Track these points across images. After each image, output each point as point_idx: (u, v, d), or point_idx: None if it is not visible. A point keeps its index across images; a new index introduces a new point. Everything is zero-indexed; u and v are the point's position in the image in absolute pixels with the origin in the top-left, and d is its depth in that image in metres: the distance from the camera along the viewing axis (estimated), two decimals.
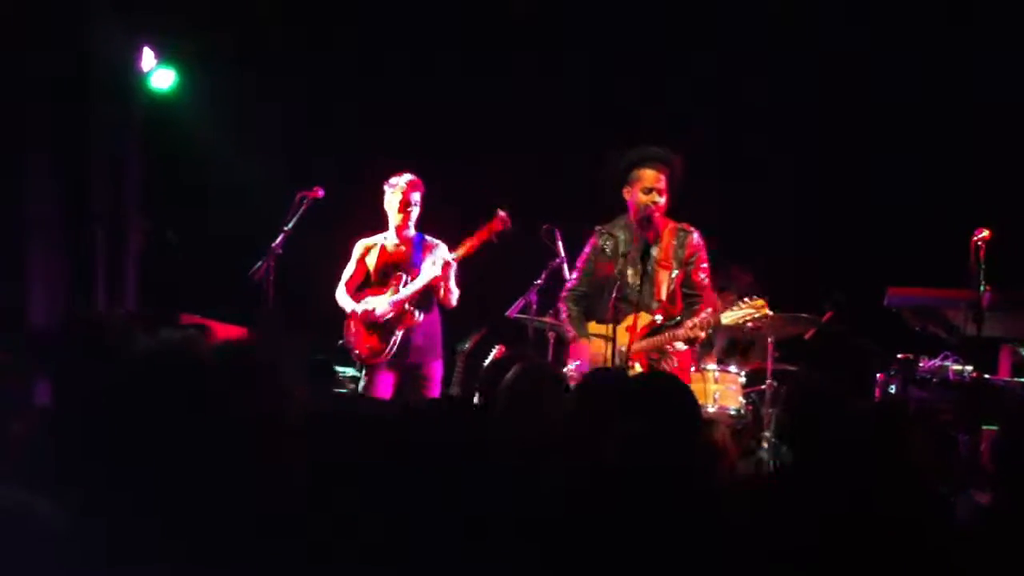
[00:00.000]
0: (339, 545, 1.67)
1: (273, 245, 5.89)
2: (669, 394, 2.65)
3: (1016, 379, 5.59)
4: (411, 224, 6.07)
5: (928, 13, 6.97)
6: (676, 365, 5.43)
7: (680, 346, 5.45)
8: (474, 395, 4.09)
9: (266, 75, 7.74)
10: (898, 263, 6.67)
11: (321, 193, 5.99)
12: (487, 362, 4.39)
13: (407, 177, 6.03)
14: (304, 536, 1.64)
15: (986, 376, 5.41)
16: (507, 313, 6.17)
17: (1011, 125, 6.71)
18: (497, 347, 5.93)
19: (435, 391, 6.01)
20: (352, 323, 6.07)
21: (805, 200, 7.31)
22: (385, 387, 6.00)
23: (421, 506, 1.71)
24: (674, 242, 5.50)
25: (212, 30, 7.49)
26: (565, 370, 5.60)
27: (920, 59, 6.98)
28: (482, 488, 1.86)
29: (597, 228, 5.65)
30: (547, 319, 6.25)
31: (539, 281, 6.09)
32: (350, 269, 6.16)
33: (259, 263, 5.87)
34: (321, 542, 1.65)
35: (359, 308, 6.03)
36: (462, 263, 5.95)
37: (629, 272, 5.46)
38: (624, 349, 5.32)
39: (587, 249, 5.67)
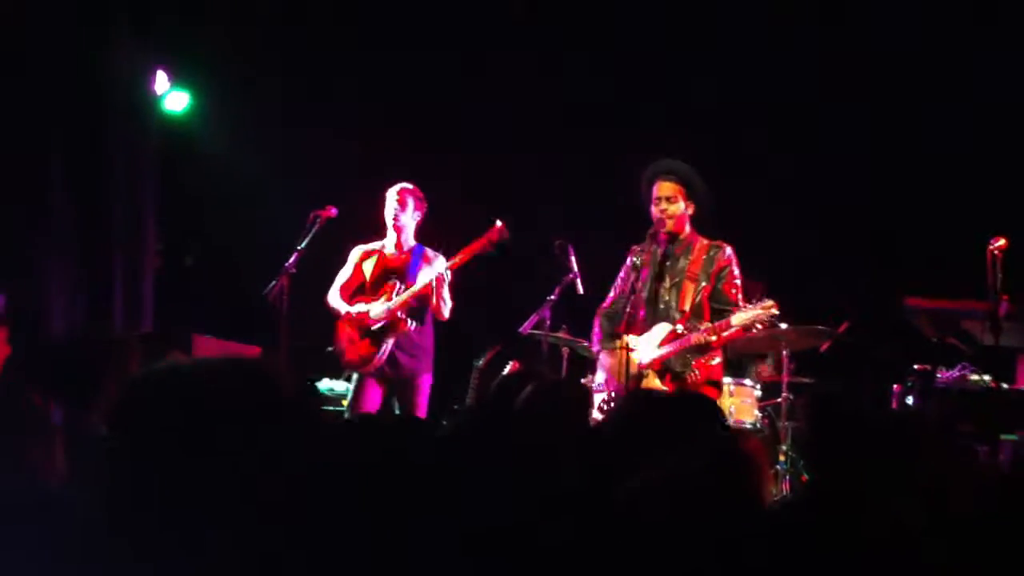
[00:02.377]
0: (339, 552, 1.67)
1: (286, 264, 5.89)
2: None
3: None
4: (405, 232, 6.07)
5: (935, 19, 6.96)
6: (699, 377, 5.38)
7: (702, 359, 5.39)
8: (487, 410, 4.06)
9: (280, 97, 7.79)
10: (914, 273, 6.63)
11: (335, 212, 5.99)
12: (498, 378, 4.37)
13: (398, 185, 6.08)
14: (307, 546, 1.64)
15: (1004, 386, 5.37)
16: (521, 329, 6.16)
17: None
18: (511, 363, 5.92)
19: (423, 406, 5.97)
20: (343, 328, 6.07)
21: (822, 212, 7.28)
22: (374, 398, 5.97)
23: (422, 517, 1.70)
24: (704, 257, 5.50)
25: (227, 52, 7.54)
26: (592, 382, 5.60)
27: (929, 64, 6.97)
28: (487, 502, 1.85)
29: (633, 247, 5.66)
30: (561, 335, 6.24)
31: (553, 297, 6.07)
32: (346, 273, 6.19)
33: (273, 283, 5.88)
34: (324, 549, 1.65)
35: (353, 310, 6.03)
36: (464, 275, 5.96)
37: (650, 283, 5.47)
38: (638, 361, 5.30)
39: (623, 267, 5.69)
